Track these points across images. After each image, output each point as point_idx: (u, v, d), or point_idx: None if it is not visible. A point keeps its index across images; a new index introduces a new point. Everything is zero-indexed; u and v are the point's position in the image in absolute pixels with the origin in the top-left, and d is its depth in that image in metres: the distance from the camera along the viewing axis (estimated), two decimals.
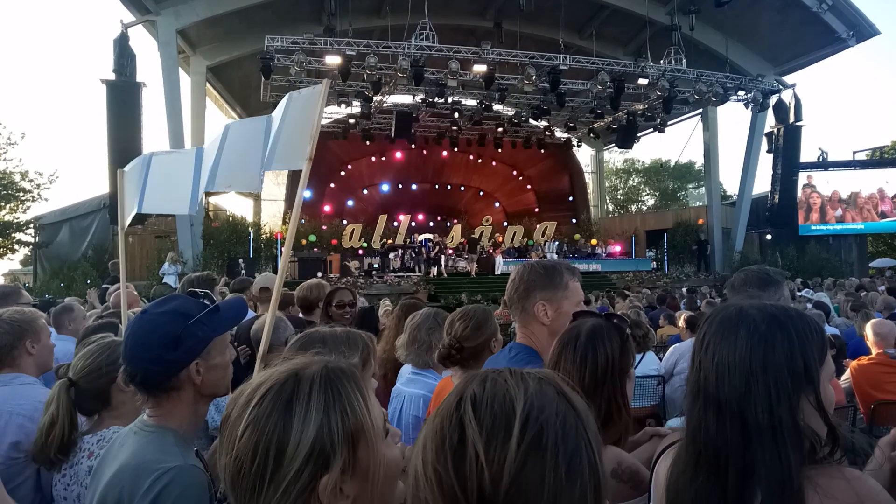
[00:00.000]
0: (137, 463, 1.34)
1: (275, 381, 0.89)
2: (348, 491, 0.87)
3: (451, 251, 22.68)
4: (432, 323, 2.82)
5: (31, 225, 19.83)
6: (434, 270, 20.66)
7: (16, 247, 20.31)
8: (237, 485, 0.85)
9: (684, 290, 14.80)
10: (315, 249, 21.02)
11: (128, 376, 1.45)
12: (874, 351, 4.42)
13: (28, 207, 20.21)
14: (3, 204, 19.65)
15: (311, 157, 2.12)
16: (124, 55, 15.33)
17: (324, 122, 21.61)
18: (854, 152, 27.14)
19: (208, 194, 18.79)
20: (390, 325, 3.34)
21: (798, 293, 10.40)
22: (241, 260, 16.95)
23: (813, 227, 23.43)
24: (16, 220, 19.94)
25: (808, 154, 23.13)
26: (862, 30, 19.06)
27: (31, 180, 19.99)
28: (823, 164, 24.16)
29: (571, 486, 0.68)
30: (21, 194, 19.90)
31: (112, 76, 15.32)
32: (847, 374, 4.45)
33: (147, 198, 2.79)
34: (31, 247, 20.18)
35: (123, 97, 15.30)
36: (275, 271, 18.04)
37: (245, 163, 2.41)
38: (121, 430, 1.65)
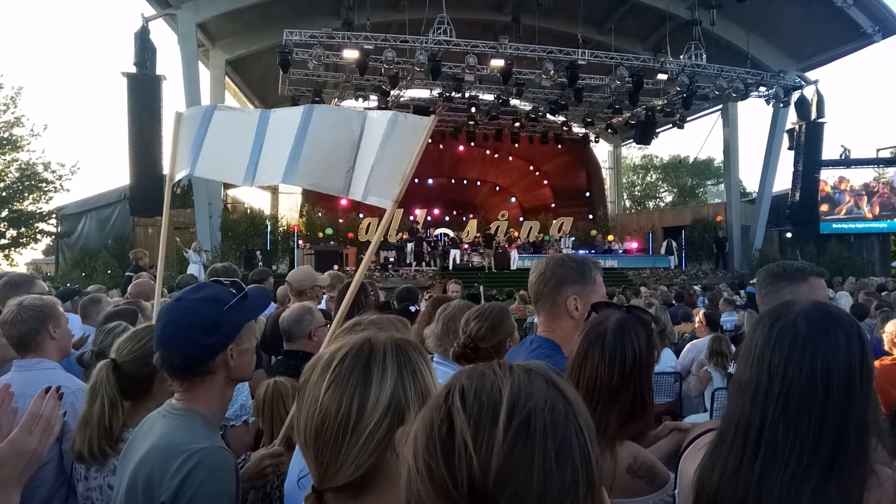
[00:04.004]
0: (167, 444, 1.37)
1: (352, 346, 0.99)
2: None
3: (466, 245, 22.67)
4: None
5: (53, 215, 20.19)
6: (449, 264, 20.69)
7: (38, 237, 20.67)
8: (321, 437, 0.94)
9: (697, 287, 14.65)
10: (332, 242, 21.13)
11: (164, 361, 1.48)
12: (895, 352, 4.35)
13: (50, 198, 20.55)
14: (26, 194, 19.98)
15: (397, 200, 2.10)
16: (145, 49, 15.50)
17: None
18: (878, 150, 26.66)
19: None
20: (421, 321, 3.36)
21: None
22: (258, 252, 17.08)
23: (834, 226, 23.08)
24: (38, 211, 20.28)
25: (830, 151, 22.80)
26: (888, 25, 18.67)
27: (53, 171, 20.30)
28: (846, 162, 23.77)
29: (561, 471, 0.68)
30: (43, 185, 20.21)
31: (133, 69, 15.50)
32: None
33: (202, 159, 2.64)
34: (53, 237, 20.53)
35: (144, 90, 15.48)
36: (292, 264, 18.19)
37: (329, 164, 2.30)
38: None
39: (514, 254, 21.11)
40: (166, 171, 2.82)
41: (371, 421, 0.91)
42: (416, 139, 2.14)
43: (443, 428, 0.71)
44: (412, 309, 4.03)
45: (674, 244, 22.97)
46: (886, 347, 4.42)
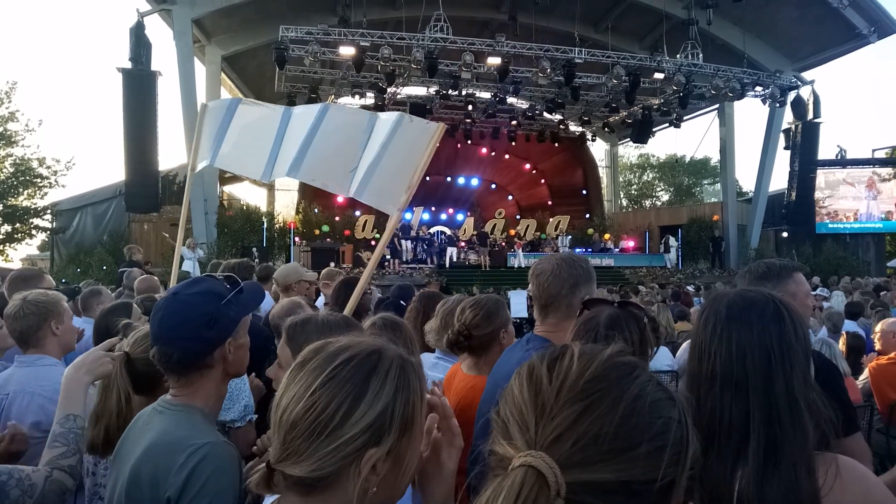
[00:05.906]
0: (170, 440, 1.35)
1: (360, 350, 0.98)
2: (380, 470, 0.93)
3: (462, 244, 22.65)
4: None
5: (49, 211, 20.07)
6: (445, 262, 20.69)
7: (33, 232, 20.57)
8: (297, 425, 0.92)
9: (690, 288, 14.60)
10: (328, 240, 21.10)
11: (162, 356, 1.45)
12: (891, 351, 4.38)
13: (45, 194, 20.46)
14: (21, 190, 19.88)
15: (402, 208, 2.11)
16: (140, 44, 15.43)
17: None
18: (873, 150, 26.75)
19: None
20: (409, 317, 3.34)
21: (812, 292, 10.25)
22: (254, 249, 17.04)
23: (830, 225, 23.16)
24: (33, 206, 20.18)
25: (826, 151, 22.86)
26: (884, 25, 18.73)
27: (48, 167, 20.20)
28: (842, 162, 23.84)
29: (655, 412, 0.67)
30: (38, 180, 20.12)
31: (128, 65, 15.42)
32: (865, 374, 4.41)
33: (223, 152, 2.67)
34: (48, 232, 20.42)
35: (139, 86, 15.41)
36: (287, 261, 18.14)
37: (335, 161, 2.33)
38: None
39: (519, 252, 21.07)
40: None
41: (350, 432, 0.90)
42: (421, 146, 2.16)
43: (556, 350, 0.74)
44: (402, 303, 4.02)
45: (672, 241, 22.66)
46: (877, 347, 4.46)
